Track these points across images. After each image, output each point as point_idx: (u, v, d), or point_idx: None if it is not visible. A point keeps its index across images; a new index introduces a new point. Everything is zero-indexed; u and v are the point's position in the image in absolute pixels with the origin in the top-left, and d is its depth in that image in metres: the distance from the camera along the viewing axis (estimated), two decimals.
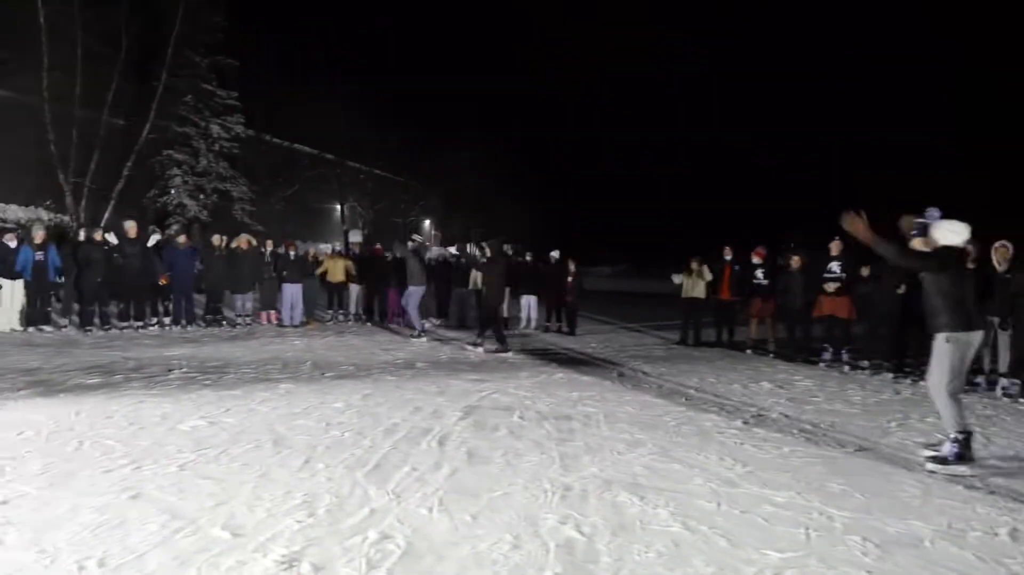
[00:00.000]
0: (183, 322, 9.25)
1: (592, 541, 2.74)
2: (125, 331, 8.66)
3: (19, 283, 8.13)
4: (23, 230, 9.05)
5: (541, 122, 42.30)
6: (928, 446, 4.09)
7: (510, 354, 7.65)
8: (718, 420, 4.90)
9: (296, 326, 9.79)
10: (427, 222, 37.48)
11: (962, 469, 3.67)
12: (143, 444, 4.00)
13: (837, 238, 7.06)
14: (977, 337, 3.90)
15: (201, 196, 19.38)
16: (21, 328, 8.21)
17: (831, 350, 7.45)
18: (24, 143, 16.61)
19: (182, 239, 9.43)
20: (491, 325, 7.97)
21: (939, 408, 3.85)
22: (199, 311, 9.67)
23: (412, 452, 3.93)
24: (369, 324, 10.60)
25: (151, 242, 8.83)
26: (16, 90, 17.20)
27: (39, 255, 8.24)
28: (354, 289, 10.61)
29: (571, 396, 5.64)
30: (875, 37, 38.66)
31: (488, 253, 8.22)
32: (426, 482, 3.43)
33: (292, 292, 9.76)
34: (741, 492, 3.34)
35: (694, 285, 8.86)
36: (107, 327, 8.65)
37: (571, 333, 9.89)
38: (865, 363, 7.13)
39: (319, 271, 10.42)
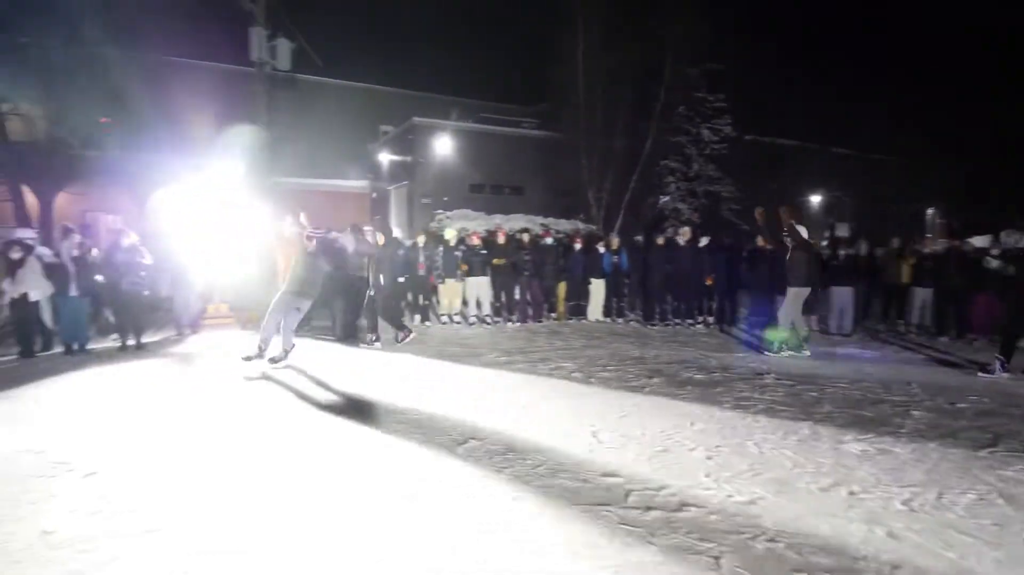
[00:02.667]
0: (724, 323, 9.47)
1: None
2: (678, 327, 9.45)
3: (601, 282, 9.89)
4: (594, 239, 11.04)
5: None
6: None
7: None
8: None
9: (846, 335, 8.70)
10: (929, 211, 30.29)
11: None
12: (826, 462, 3.74)
13: None
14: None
15: (692, 199, 20.57)
16: (602, 319, 9.98)
17: None
18: (564, 171, 21.15)
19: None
20: None
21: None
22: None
23: None
24: (946, 339, 8.47)
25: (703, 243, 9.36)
26: (558, 131, 22.01)
27: (615, 259, 9.85)
28: (919, 294, 8.62)
29: None
30: None
31: None
32: None
33: (841, 296, 8.72)
34: None
35: None
36: (665, 322, 9.62)
37: None
38: None
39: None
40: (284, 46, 13.16)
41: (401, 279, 9.70)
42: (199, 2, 19.57)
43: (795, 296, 6.87)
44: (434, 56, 28.22)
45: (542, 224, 16.47)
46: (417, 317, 9.74)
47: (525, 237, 10.14)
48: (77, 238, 7.22)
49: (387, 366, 6.53)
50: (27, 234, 7.16)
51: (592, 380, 5.92)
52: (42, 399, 5.12)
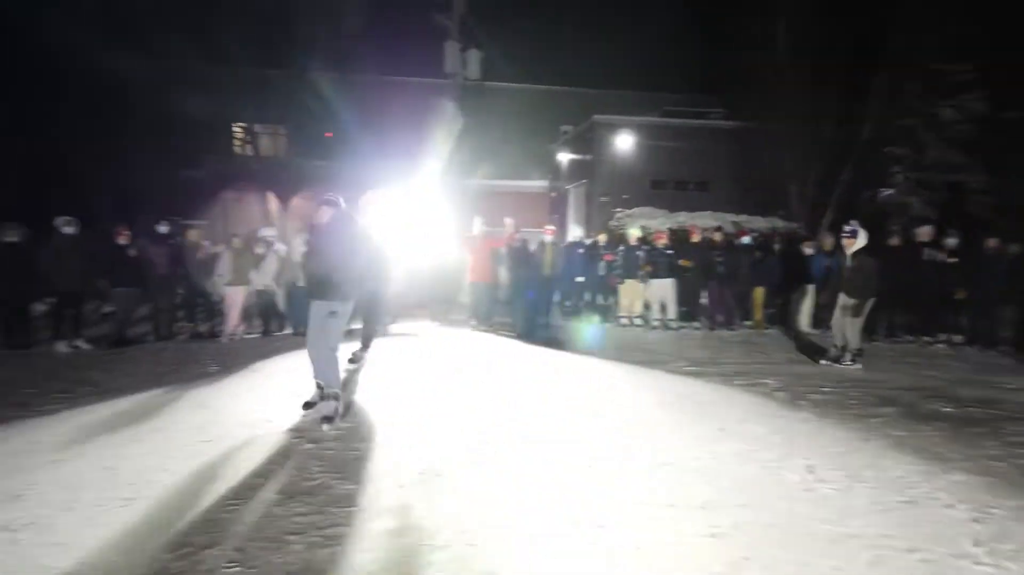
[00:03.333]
0: (979, 345, 7.63)
1: None
2: (910, 345, 7.86)
3: (812, 287, 8.64)
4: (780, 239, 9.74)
5: None
6: None
7: None
8: None
9: None
10: None
11: None
12: None
13: None
14: None
15: (925, 191, 17.17)
16: (812, 330, 8.71)
17: None
18: (758, 163, 19.19)
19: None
20: None
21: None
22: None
23: None
24: None
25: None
26: (751, 120, 20.02)
27: (828, 262, 8.53)
28: None
29: None
30: None
31: None
32: None
33: None
34: None
35: None
36: (894, 339, 8.08)
37: None
38: None
39: None
40: (474, 56, 13.93)
41: (580, 279, 9.57)
42: (399, 25, 21.69)
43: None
44: (613, 52, 27.60)
45: (734, 222, 15.05)
46: (596, 318, 9.51)
47: (717, 236, 9.28)
48: (304, 236, 8.32)
49: (566, 368, 6.39)
50: (269, 232, 8.40)
51: (802, 403, 5.10)
52: (277, 373, 5.94)
